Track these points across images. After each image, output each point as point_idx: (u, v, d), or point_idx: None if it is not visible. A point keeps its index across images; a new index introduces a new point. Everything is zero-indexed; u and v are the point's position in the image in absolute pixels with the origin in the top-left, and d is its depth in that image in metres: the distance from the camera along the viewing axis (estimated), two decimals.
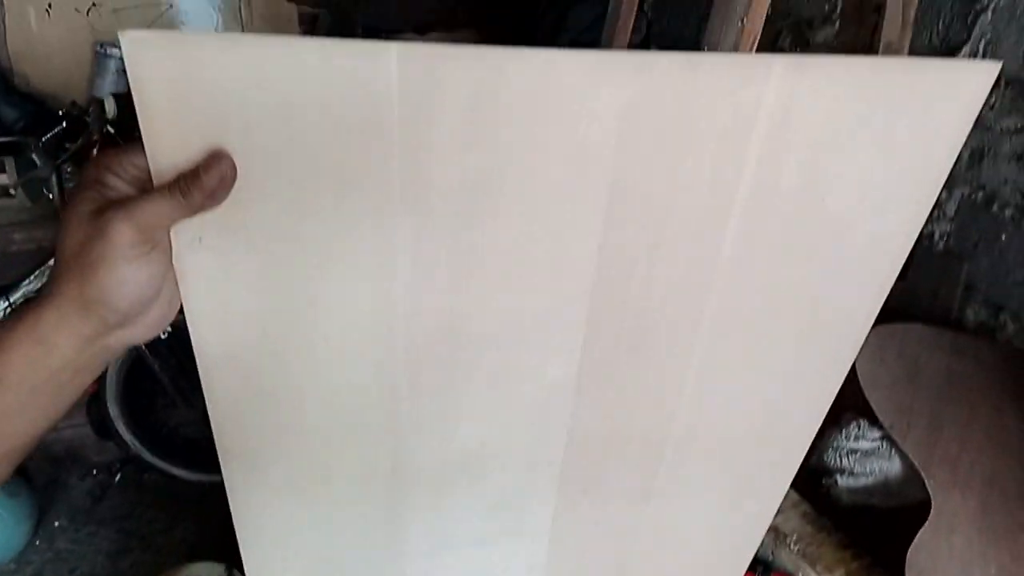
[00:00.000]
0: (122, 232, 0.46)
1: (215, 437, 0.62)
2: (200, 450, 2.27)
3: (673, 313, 0.62)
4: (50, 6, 2.40)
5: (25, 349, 0.47)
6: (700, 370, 0.67)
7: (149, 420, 2.28)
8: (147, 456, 2.19)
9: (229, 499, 0.67)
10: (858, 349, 0.69)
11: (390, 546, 0.75)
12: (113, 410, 2.11)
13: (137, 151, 0.47)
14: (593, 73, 0.49)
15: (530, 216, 0.54)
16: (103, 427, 2.16)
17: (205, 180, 0.46)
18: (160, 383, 2.11)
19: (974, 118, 0.55)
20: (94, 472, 2.37)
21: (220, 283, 0.53)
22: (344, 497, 0.70)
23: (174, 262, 0.51)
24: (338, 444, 0.66)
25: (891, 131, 0.55)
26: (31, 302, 0.49)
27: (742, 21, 0.85)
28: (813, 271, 0.62)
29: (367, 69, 0.46)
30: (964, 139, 0.57)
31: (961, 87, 0.54)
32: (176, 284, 0.52)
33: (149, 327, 0.51)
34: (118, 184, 0.48)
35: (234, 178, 0.48)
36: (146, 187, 0.48)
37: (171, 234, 0.50)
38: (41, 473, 2.29)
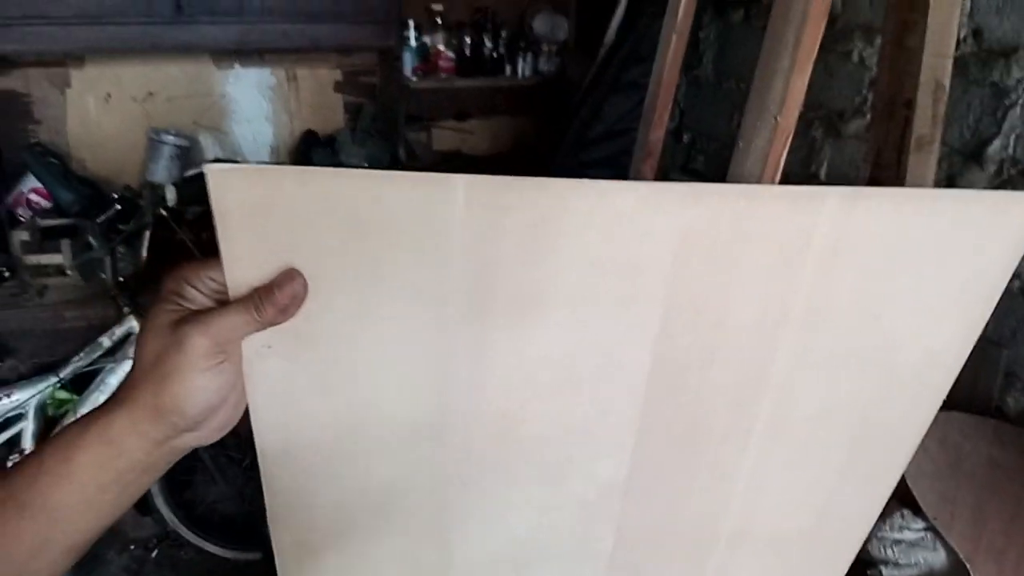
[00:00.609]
0: (198, 344, 0.48)
1: (270, 525, 0.64)
2: (236, 528, 2.28)
3: (725, 420, 0.63)
4: (109, 95, 2.53)
5: (96, 449, 0.49)
6: (751, 473, 0.67)
7: (187, 496, 2.30)
8: (184, 532, 2.20)
9: None
10: (909, 458, 0.69)
11: None
12: (153, 485, 2.14)
13: (214, 266, 0.50)
14: (650, 202, 0.51)
15: (586, 327, 0.56)
16: (142, 502, 2.18)
17: (278, 297, 0.49)
18: (200, 459, 2.14)
19: None
20: (131, 547, 2.38)
21: (285, 387, 0.55)
22: None
23: (243, 367, 0.53)
24: (389, 536, 0.67)
25: (944, 257, 0.56)
26: (105, 404, 0.51)
27: (776, 118, 0.88)
28: (866, 384, 0.62)
29: (436, 199, 0.49)
30: (1016, 263, 0.57)
31: (1012, 216, 0.55)
32: (242, 389, 0.54)
33: (215, 430, 0.54)
34: (196, 296, 0.52)
35: (305, 295, 0.51)
36: (222, 299, 0.51)
37: (242, 343, 0.52)
38: None
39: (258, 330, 0.51)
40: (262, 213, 0.48)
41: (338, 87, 2.75)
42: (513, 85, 2.86)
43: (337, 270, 0.51)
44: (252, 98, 2.70)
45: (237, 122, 2.71)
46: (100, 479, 0.50)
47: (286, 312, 0.51)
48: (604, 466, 0.65)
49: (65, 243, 2.07)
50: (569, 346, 0.58)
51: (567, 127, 2.37)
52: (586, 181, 0.50)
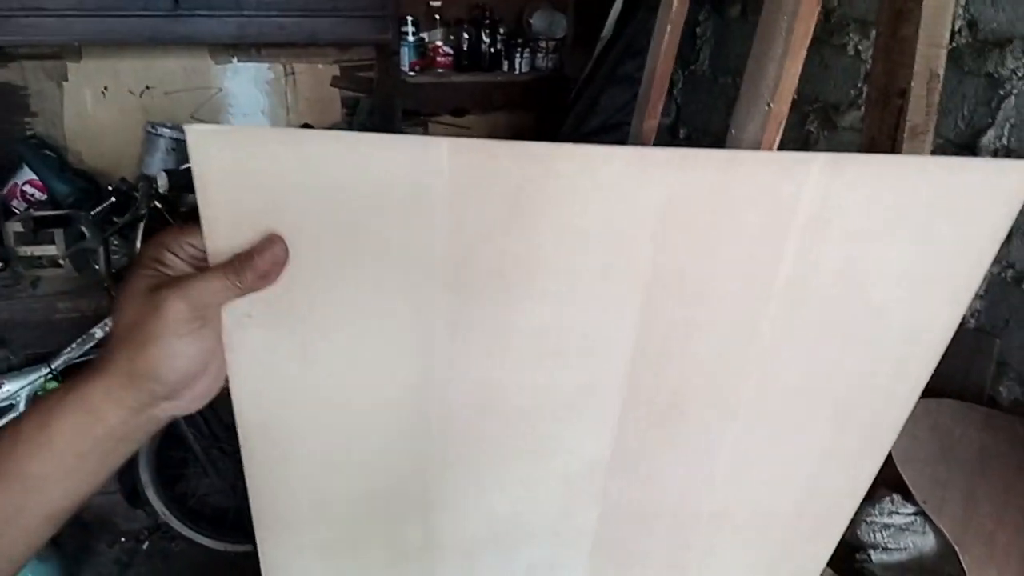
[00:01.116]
0: (176, 309, 0.48)
1: (250, 501, 0.63)
2: (227, 520, 2.28)
3: (709, 393, 0.63)
4: (106, 89, 2.53)
5: (74, 417, 0.49)
6: (735, 449, 0.67)
7: (179, 489, 2.30)
8: (176, 524, 2.20)
9: (261, 563, 0.68)
10: (896, 433, 0.69)
11: None
12: (144, 477, 2.13)
13: (194, 231, 0.50)
14: (635, 168, 0.51)
15: (568, 297, 0.56)
16: (134, 494, 2.18)
17: (258, 262, 0.49)
18: (192, 451, 2.13)
19: (1014, 216, 0.56)
20: (122, 539, 2.38)
21: (265, 356, 0.55)
22: (374, 564, 0.70)
23: (223, 336, 0.53)
24: (370, 513, 0.66)
25: (930, 226, 0.56)
26: (83, 371, 0.50)
27: (768, 105, 0.88)
28: (850, 357, 0.62)
29: (419, 162, 0.48)
30: (1004, 235, 0.57)
31: (1001, 186, 0.54)
32: (223, 358, 0.54)
33: (195, 399, 0.53)
34: (175, 262, 0.51)
35: (286, 261, 0.50)
36: (202, 266, 0.51)
37: (222, 310, 0.52)
38: (70, 539, 2.31)
39: (237, 296, 0.50)
40: (243, 176, 0.47)
41: (335, 82, 2.75)
42: (511, 81, 2.86)
43: (319, 236, 0.50)
44: (249, 92, 2.69)
45: (234, 116, 2.70)
46: (77, 447, 0.49)
47: (266, 278, 0.50)
48: (588, 441, 0.65)
49: (58, 233, 2.07)
50: (552, 318, 0.57)
51: (563, 121, 2.37)
52: (570, 145, 0.50)
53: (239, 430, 0.59)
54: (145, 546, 2.36)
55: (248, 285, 0.49)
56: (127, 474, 2.16)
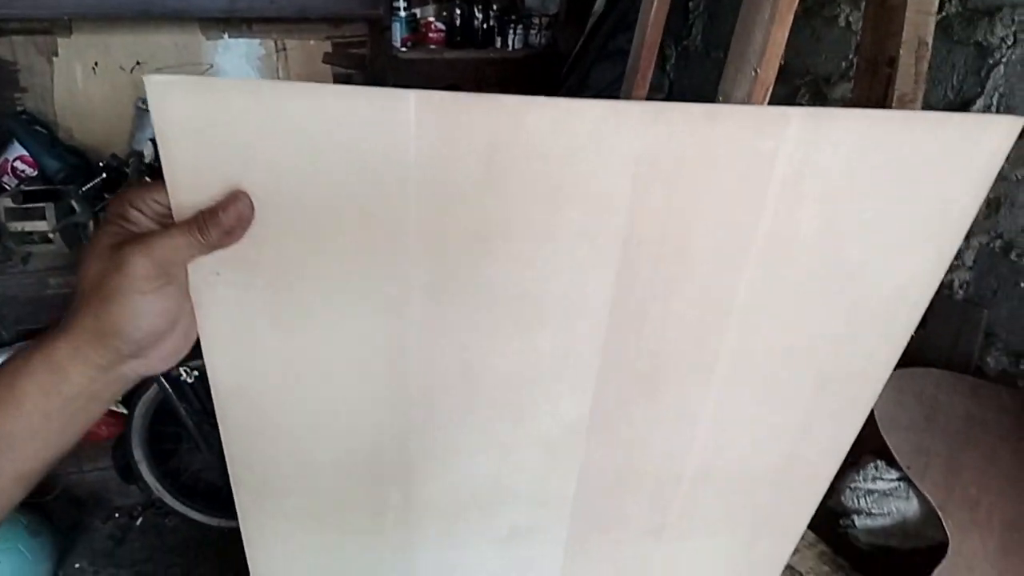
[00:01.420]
0: (138, 266, 0.47)
1: (228, 466, 0.63)
2: (221, 495, 2.29)
3: (688, 355, 0.62)
4: (96, 64, 2.51)
5: (40, 376, 0.48)
6: (715, 411, 0.67)
7: (172, 464, 2.30)
8: (169, 500, 2.21)
9: (241, 528, 0.68)
10: (877, 395, 0.68)
11: None
12: (138, 453, 2.14)
13: (160, 188, 0.49)
14: (609, 122, 0.50)
15: (545, 257, 0.55)
16: (127, 470, 2.18)
17: (223, 218, 0.48)
18: (185, 426, 2.14)
19: (996, 172, 0.55)
20: (116, 515, 2.39)
21: (236, 316, 0.54)
22: (355, 528, 0.70)
23: (192, 294, 0.52)
24: (350, 476, 0.66)
25: (911, 183, 0.55)
26: (50, 331, 0.50)
27: (755, 71, 0.87)
28: (831, 317, 0.62)
29: (386, 115, 0.47)
30: (986, 192, 0.56)
31: (983, 141, 0.54)
32: (192, 317, 0.53)
33: (164, 359, 0.53)
34: (140, 219, 0.50)
35: (251, 217, 0.49)
36: (167, 223, 0.50)
37: (190, 268, 0.51)
38: (63, 515, 2.32)
39: (202, 253, 0.50)
40: (206, 129, 0.46)
41: (327, 58, 2.72)
42: (503, 58, 2.83)
43: (287, 192, 0.49)
44: (241, 69, 2.66)
45: None
46: (45, 406, 0.49)
47: (231, 235, 0.49)
48: (566, 404, 0.64)
49: (49, 207, 2.06)
50: (529, 279, 0.56)
51: (555, 96, 2.35)
52: (542, 98, 0.49)
53: (213, 394, 0.59)
54: (139, 522, 2.37)
55: (213, 242, 0.49)
56: (120, 450, 2.17)
